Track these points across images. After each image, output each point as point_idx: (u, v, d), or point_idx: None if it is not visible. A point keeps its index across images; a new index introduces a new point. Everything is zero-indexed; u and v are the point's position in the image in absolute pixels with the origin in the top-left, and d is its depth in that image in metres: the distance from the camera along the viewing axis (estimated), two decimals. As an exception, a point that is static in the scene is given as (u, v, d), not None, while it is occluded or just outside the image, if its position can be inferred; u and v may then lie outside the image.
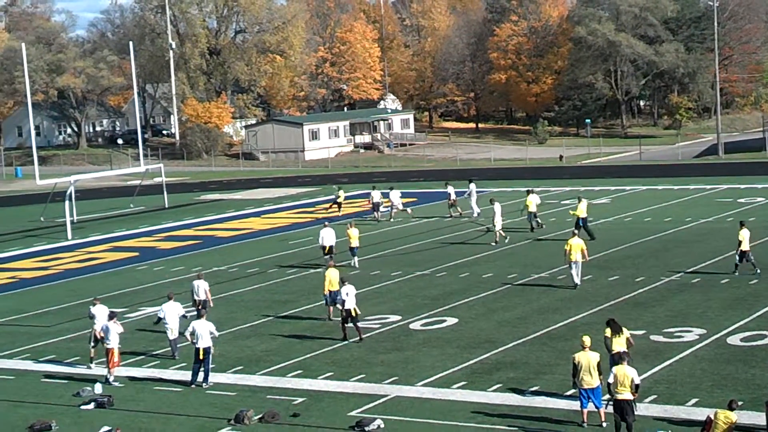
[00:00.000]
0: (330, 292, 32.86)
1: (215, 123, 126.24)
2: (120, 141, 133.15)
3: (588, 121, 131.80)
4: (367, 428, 22.36)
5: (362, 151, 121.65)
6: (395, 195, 58.31)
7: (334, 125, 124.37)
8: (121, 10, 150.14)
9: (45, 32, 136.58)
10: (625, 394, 20.61)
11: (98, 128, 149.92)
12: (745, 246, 36.12)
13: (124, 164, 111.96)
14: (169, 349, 29.66)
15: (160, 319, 30.00)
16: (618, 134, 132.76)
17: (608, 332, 23.87)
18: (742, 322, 29.76)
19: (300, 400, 24.91)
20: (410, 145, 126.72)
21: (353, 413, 23.56)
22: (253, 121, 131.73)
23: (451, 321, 32.03)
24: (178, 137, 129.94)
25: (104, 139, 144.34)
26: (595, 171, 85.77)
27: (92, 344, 29.24)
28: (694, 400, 23.14)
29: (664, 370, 25.56)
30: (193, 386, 26.54)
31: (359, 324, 30.52)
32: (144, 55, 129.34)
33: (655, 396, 23.43)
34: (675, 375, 25.12)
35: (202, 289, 32.79)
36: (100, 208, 73.94)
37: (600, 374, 21.93)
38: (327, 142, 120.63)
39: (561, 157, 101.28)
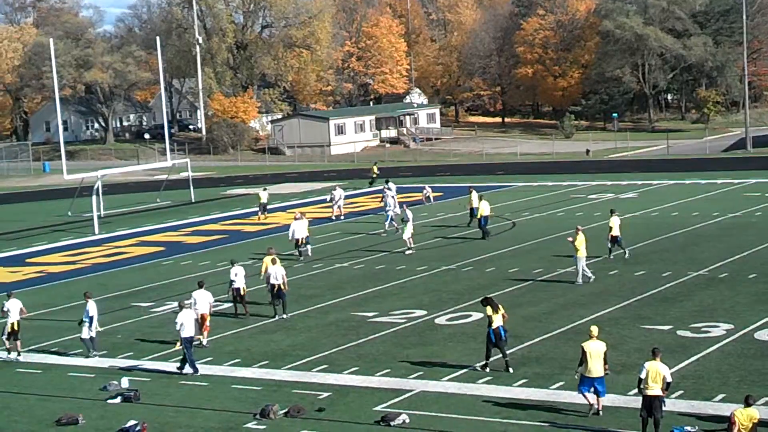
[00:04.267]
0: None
1: (241, 118, 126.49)
2: (147, 136, 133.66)
3: (615, 115, 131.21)
4: (392, 423, 22.36)
5: (388, 145, 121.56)
6: (338, 193, 58.03)
7: (360, 120, 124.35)
8: (149, 5, 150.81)
9: (73, 27, 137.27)
10: (656, 390, 20.51)
11: (125, 123, 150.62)
12: (616, 231, 39.72)
13: (150, 159, 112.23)
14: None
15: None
16: (645, 128, 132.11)
17: (489, 310, 25.83)
18: (770, 318, 29.59)
19: (325, 394, 24.93)
20: (436, 139, 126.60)
21: (378, 408, 23.56)
22: (280, 116, 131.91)
23: (476, 316, 31.96)
24: (204, 132, 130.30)
25: (131, 134, 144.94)
26: (623, 165, 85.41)
27: (5, 336, 30.15)
28: (721, 396, 23.01)
29: (691, 365, 25.42)
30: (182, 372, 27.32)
31: (246, 301, 33.72)
32: (171, 50, 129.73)
33: (682, 391, 23.30)
34: (702, 370, 24.99)
35: (241, 275, 33.96)
36: (127, 202, 74.23)
37: (606, 364, 22.27)
38: (353, 137, 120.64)
39: (588, 151, 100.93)
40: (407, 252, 44.40)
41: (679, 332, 28.59)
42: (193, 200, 71.72)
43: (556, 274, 37.80)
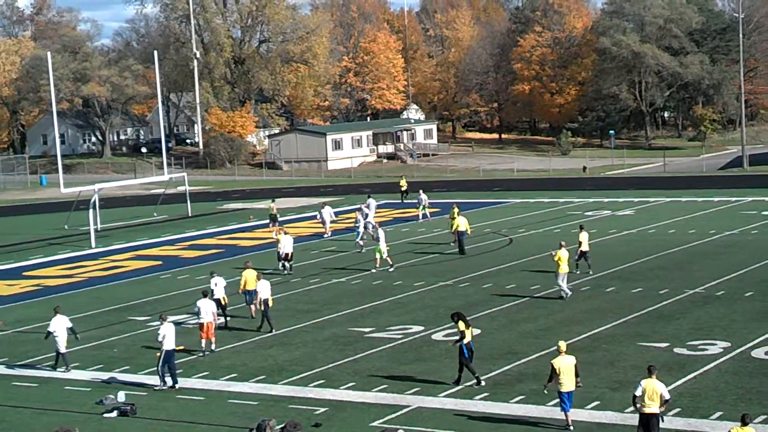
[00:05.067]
0: (246, 291, 35.26)
1: (239, 132, 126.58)
2: (144, 150, 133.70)
3: (612, 132, 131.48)
4: (389, 439, 22.33)
5: (385, 161, 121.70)
6: (327, 212, 57.53)
7: (357, 135, 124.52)
8: (146, 19, 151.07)
9: (70, 41, 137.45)
10: (653, 408, 20.49)
11: (122, 137, 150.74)
12: (585, 247, 40.43)
13: (147, 173, 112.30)
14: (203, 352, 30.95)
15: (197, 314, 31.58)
16: (642, 146, 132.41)
17: (462, 325, 25.98)
18: (766, 335, 29.57)
19: (322, 410, 24.89)
20: (433, 155, 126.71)
21: (375, 423, 23.54)
22: (277, 131, 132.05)
23: (473, 332, 31.89)
24: (201, 146, 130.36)
25: (128, 148, 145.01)
26: (619, 182, 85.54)
27: None
28: (718, 414, 22.99)
29: (688, 383, 25.42)
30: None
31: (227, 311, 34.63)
32: (168, 64, 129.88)
33: (679, 409, 23.29)
34: (699, 388, 24.98)
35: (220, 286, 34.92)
36: (124, 216, 74.21)
37: (577, 377, 22.59)
38: (350, 152, 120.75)
39: (584, 168, 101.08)
40: (373, 270, 44.04)
41: (675, 350, 28.59)
42: (189, 214, 71.69)
43: (553, 290, 37.78)
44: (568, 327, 31.92)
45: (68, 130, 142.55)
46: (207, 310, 31.08)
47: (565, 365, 22.50)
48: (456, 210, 50.31)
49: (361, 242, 50.18)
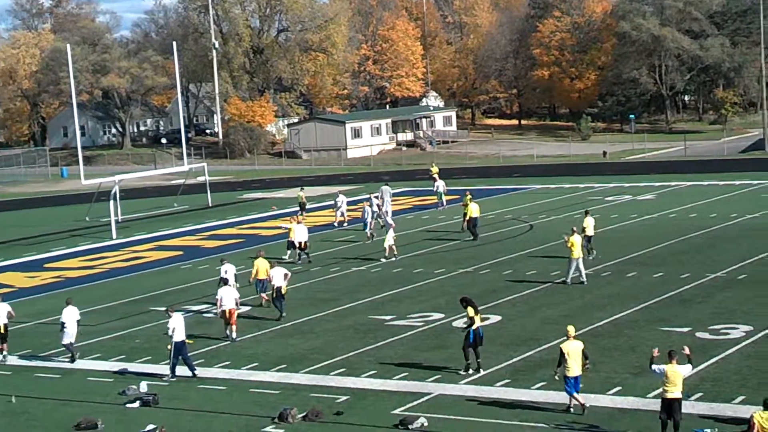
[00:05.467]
0: (258, 280, 35.55)
1: (258, 122, 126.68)
2: (164, 140, 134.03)
3: (632, 116, 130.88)
4: (410, 426, 22.33)
5: (404, 148, 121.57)
6: (341, 200, 56.95)
7: (376, 123, 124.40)
8: (165, 10, 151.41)
9: (90, 33, 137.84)
10: (675, 393, 20.44)
11: (142, 128, 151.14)
12: (590, 232, 40.34)
13: (167, 163, 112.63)
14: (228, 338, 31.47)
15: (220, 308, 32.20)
16: (662, 130, 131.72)
17: (471, 311, 26.06)
18: (789, 319, 29.44)
19: (343, 398, 24.92)
20: (453, 142, 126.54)
21: (396, 411, 23.54)
22: (296, 120, 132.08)
23: (494, 318, 31.92)
24: (221, 136, 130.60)
25: (148, 139, 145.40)
26: (640, 167, 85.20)
27: None
28: (740, 398, 22.90)
29: (710, 367, 25.32)
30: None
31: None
32: (187, 55, 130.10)
33: (701, 394, 23.22)
34: (721, 372, 24.88)
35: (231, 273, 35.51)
36: (145, 207, 74.42)
37: (586, 359, 22.89)
38: (369, 140, 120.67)
39: (605, 153, 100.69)
40: (382, 260, 43.82)
41: (697, 334, 28.48)
42: (210, 204, 71.84)
43: (573, 276, 37.66)
44: (589, 313, 31.85)
45: (88, 122, 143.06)
46: (229, 297, 31.43)
47: (573, 350, 22.64)
48: (469, 197, 50.05)
49: (369, 233, 49.85)
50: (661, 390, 20.77)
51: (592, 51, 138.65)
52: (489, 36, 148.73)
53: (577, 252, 36.21)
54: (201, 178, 77.74)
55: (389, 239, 44.03)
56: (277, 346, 30.52)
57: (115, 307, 38.29)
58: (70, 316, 30.39)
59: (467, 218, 48.37)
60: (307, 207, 61.71)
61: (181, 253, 51.27)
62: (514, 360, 27.17)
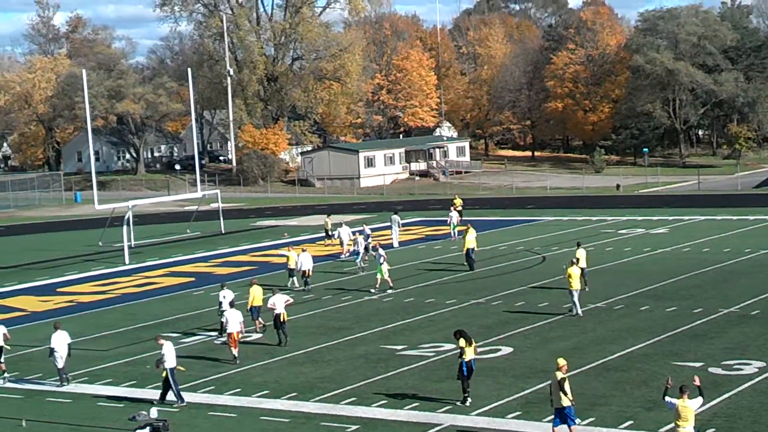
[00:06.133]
0: (253, 307, 36.35)
1: (272, 149, 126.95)
2: (177, 167, 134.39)
3: (646, 150, 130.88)
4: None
5: (417, 178, 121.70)
6: (345, 231, 56.36)
7: (389, 152, 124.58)
8: (180, 37, 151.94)
9: (105, 59, 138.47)
10: (687, 428, 20.34)
11: (156, 154, 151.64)
12: (582, 264, 39.81)
13: (181, 190, 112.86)
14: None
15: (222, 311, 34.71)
16: (676, 164, 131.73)
17: (463, 342, 26.12)
18: (803, 356, 29.28)
19: (354, 427, 24.84)
20: (466, 172, 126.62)
21: (407, 442, 23.44)
22: (309, 148, 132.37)
23: (506, 350, 31.83)
24: (234, 163, 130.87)
25: (162, 165, 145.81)
26: (653, 200, 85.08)
27: None
28: (753, 435, 22.77)
29: (722, 403, 25.17)
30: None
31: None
32: (202, 82, 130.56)
33: (714, 429, 23.08)
34: (734, 408, 24.73)
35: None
36: (158, 233, 74.53)
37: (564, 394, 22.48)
38: (382, 169, 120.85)
39: (618, 186, 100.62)
40: (372, 291, 43.58)
41: (710, 369, 28.33)
42: (223, 231, 71.90)
43: (586, 309, 37.58)
44: (601, 345, 31.73)
45: (103, 147, 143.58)
46: (234, 320, 32.08)
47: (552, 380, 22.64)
48: (468, 229, 49.98)
49: (362, 264, 49.60)
50: (672, 426, 20.64)
51: (606, 84, 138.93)
52: (503, 67, 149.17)
53: (575, 283, 36.42)
54: (214, 205, 77.91)
55: (384, 271, 43.68)
56: (288, 374, 30.46)
57: (127, 332, 38.30)
58: (60, 340, 30.77)
59: (465, 249, 48.38)
60: (314, 236, 61.75)
61: (193, 279, 51.29)
62: (526, 392, 27.06)
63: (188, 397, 28.22)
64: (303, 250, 46.32)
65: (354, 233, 54.94)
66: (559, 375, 22.50)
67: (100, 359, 33.48)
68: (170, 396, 27.84)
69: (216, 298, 37.99)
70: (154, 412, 26.47)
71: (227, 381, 29.96)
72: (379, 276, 43.74)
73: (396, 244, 58.56)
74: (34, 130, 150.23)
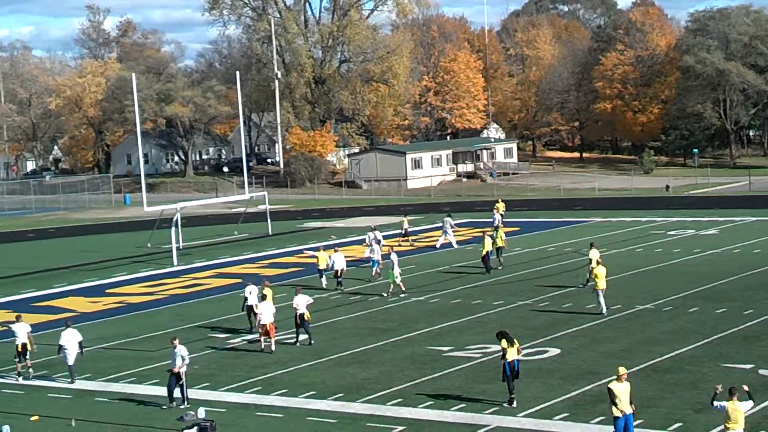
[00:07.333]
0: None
1: (319, 151, 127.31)
2: (225, 169, 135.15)
3: (696, 151, 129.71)
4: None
5: (465, 179, 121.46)
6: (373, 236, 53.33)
7: (436, 154, 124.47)
8: (229, 40, 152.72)
9: (155, 62, 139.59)
10: (737, 431, 20.09)
11: (204, 156, 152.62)
12: (594, 264, 39.73)
13: (229, 192, 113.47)
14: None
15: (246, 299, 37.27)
16: (726, 164, 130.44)
17: (505, 343, 26.15)
18: None
19: (400, 428, 24.80)
20: (513, 174, 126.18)
21: (453, 443, 23.37)
22: (357, 150, 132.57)
23: (553, 351, 31.66)
24: (282, 165, 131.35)
25: (210, 167, 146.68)
26: (703, 201, 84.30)
27: (17, 359, 32.35)
28: (805, 437, 22.46)
29: (773, 405, 24.87)
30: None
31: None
32: (250, 85, 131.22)
33: (765, 431, 22.82)
34: (785, 411, 24.42)
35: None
36: (206, 234, 74.95)
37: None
38: (430, 171, 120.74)
39: (667, 187, 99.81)
40: (384, 294, 43.44)
41: (760, 371, 28.00)
42: (270, 233, 72.16)
43: (635, 310, 37.31)
44: (650, 347, 31.46)
45: (152, 150, 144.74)
46: (267, 312, 33.80)
47: (622, 391, 22.01)
48: (490, 232, 50.40)
49: (379, 270, 48.72)
50: (722, 427, 20.42)
51: (656, 84, 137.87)
52: (551, 68, 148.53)
53: (601, 283, 36.79)
54: (262, 207, 78.19)
55: (396, 275, 43.56)
56: (334, 374, 30.49)
57: (174, 333, 38.38)
58: (71, 338, 31.35)
59: (483, 252, 48.37)
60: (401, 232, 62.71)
61: (240, 280, 51.41)
62: (573, 393, 26.89)
63: (235, 397, 28.34)
64: (335, 251, 46.95)
65: (372, 241, 52.40)
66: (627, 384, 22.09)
67: (148, 360, 33.69)
68: (181, 394, 27.97)
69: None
70: (201, 413, 26.59)
71: (274, 382, 30.04)
72: (390, 281, 43.68)
73: (455, 245, 58.78)
74: (84, 134, 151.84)
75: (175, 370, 27.97)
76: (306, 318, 34.87)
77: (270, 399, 28.22)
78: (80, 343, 31.53)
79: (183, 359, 28.03)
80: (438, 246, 58.97)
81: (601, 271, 37.03)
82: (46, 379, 32.08)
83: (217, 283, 51.22)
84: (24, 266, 61.97)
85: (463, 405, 26.37)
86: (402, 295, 43.32)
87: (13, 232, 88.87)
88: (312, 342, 34.63)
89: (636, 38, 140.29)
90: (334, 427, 25.12)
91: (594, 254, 41.67)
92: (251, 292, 37.35)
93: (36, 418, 27.46)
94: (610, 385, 22.13)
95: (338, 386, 29.07)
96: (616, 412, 21.88)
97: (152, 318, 42.15)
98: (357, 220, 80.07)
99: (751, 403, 20.51)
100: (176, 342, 28.47)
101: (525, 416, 25.18)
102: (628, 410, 21.90)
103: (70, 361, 31.23)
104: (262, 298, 35.72)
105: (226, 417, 26.58)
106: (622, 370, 22.29)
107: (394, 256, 44.67)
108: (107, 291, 50.70)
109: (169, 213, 67.60)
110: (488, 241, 48.60)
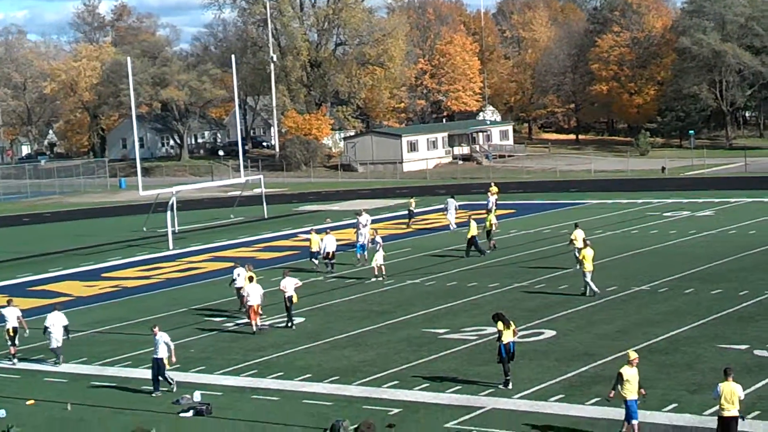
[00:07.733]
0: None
1: (314, 135, 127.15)
2: (221, 152, 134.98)
3: (692, 132, 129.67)
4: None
5: (461, 162, 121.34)
6: (363, 219, 52.49)
7: (432, 137, 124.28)
8: (224, 24, 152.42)
9: (150, 46, 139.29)
10: (732, 411, 20.12)
11: (200, 140, 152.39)
12: (579, 244, 40.14)
13: (224, 175, 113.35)
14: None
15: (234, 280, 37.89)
16: (722, 146, 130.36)
17: (500, 325, 26.12)
18: None
19: (396, 410, 24.81)
20: (509, 156, 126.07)
21: (449, 425, 23.41)
22: (352, 133, 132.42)
23: (549, 333, 31.68)
24: (277, 149, 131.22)
25: (206, 151, 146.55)
26: (699, 183, 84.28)
27: (9, 342, 32.33)
28: (800, 417, 22.48)
29: (768, 385, 24.90)
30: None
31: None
32: (246, 68, 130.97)
33: (759, 412, 22.81)
34: (780, 391, 24.45)
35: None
36: (201, 218, 74.89)
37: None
38: (425, 154, 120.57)
39: (663, 168, 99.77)
40: (372, 280, 43.25)
41: (756, 352, 28.03)
42: (266, 216, 72.12)
43: (630, 292, 37.32)
44: (645, 329, 31.47)
45: (147, 134, 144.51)
46: (255, 293, 34.13)
47: (632, 376, 21.87)
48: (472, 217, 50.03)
49: (361, 254, 48.47)
50: (717, 408, 20.43)
51: (652, 66, 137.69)
52: (547, 51, 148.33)
53: (588, 265, 36.72)
54: (257, 190, 78.17)
55: (379, 259, 43.52)
56: (330, 357, 30.50)
57: (170, 316, 38.49)
58: (56, 321, 31.48)
59: (468, 236, 48.14)
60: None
61: (236, 264, 51.32)
62: (569, 375, 26.91)
63: (231, 380, 28.36)
64: (327, 233, 47.03)
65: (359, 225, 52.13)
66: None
67: (144, 344, 33.64)
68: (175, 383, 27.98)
69: (267, 284, 38.44)
70: (197, 396, 26.66)
71: (270, 365, 30.04)
72: (374, 263, 43.58)
73: (453, 226, 58.42)
74: (79, 118, 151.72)
75: (173, 359, 27.99)
76: (293, 300, 35.09)
77: (266, 382, 28.22)
78: (65, 327, 31.63)
79: (168, 345, 27.96)
80: (452, 228, 58.43)
81: (588, 253, 36.93)
82: (42, 363, 32.07)
83: (213, 266, 51.18)
84: (19, 251, 61.94)
85: (458, 387, 26.39)
86: (380, 279, 43.02)
87: (9, 216, 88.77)
88: (289, 325, 34.78)
89: (632, 20, 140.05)
90: (330, 410, 25.12)
91: (579, 234, 41.54)
92: (239, 275, 37.60)
93: (31, 402, 27.48)
94: (621, 370, 21.98)
95: (334, 369, 29.08)
96: (630, 395, 21.64)
97: (147, 302, 42.14)
98: (353, 204, 79.94)
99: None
100: (156, 330, 28.42)
101: (520, 398, 25.21)
102: (635, 395, 21.76)
103: (53, 344, 31.39)
104: (249, 280, 35.62)
105: (222, 400, 26.59)
106: (633, 355, 22.17)
107: (378, 239, 45.50)
108: (103, 275, 50.71)
109: (165, 197, 67.58)
110: (474, 224, 48.23)
